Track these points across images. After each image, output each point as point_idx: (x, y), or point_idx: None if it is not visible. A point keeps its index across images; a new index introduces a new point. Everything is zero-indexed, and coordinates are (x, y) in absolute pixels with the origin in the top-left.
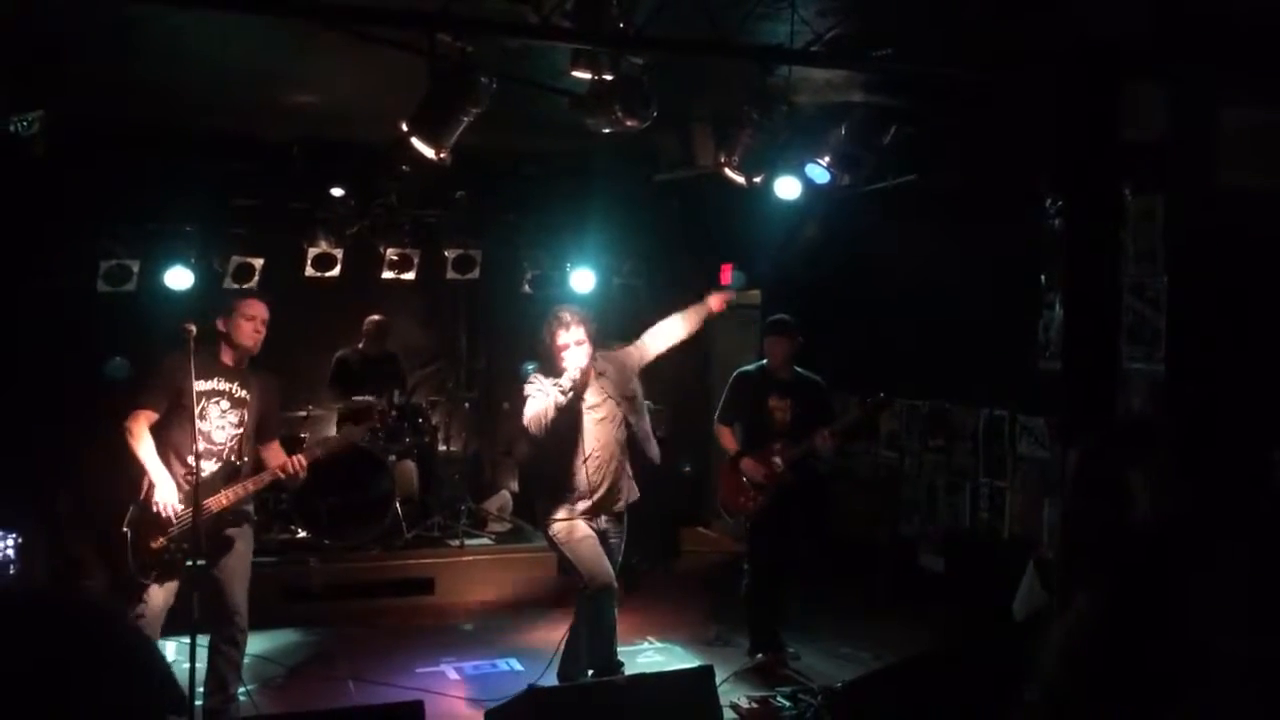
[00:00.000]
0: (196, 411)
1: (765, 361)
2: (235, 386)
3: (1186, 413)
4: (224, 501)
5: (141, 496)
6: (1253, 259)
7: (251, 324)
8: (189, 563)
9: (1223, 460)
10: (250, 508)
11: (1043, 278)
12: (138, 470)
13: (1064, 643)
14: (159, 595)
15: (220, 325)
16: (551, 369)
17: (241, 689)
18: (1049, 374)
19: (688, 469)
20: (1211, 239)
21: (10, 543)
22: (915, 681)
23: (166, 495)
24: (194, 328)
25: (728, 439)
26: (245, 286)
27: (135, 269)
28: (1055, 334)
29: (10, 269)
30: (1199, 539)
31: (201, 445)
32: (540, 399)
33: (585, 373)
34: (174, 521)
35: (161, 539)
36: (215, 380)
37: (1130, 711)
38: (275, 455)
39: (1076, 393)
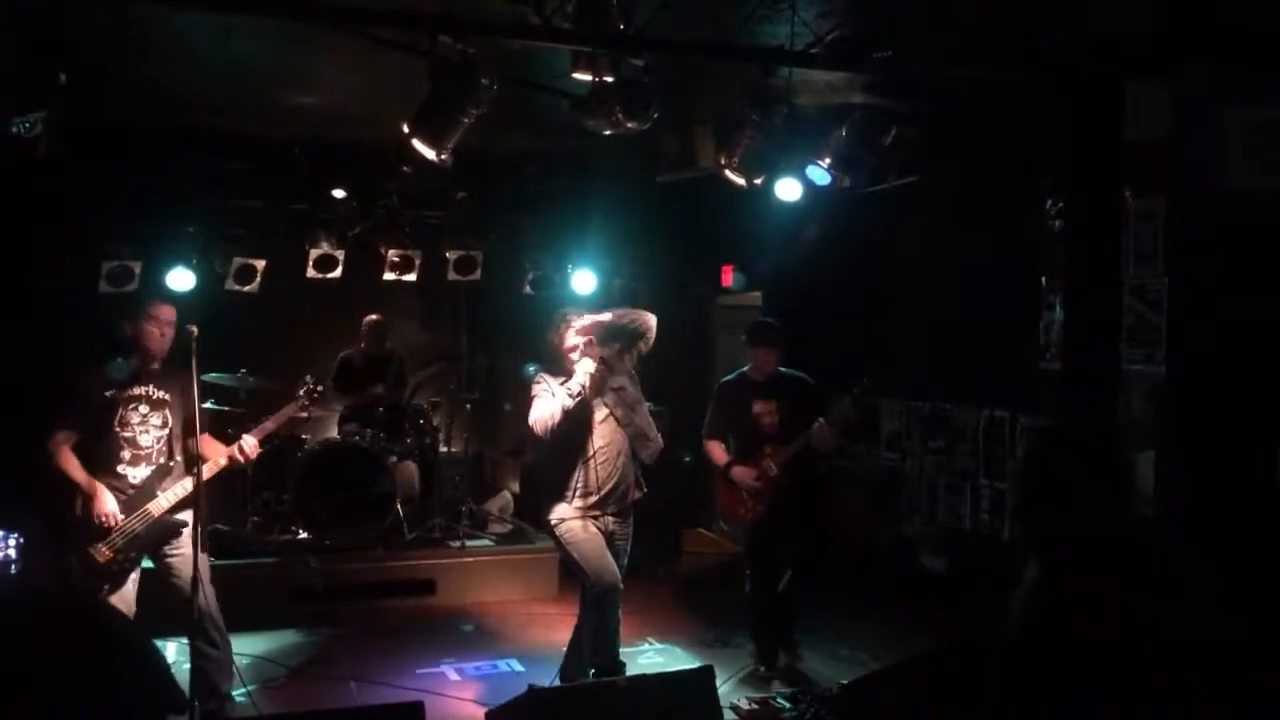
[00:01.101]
0: (116, 419)
1: (745, 368)
2: (151, 388)
3: (1186, 414)
4: (165, 504)
5: (78, 513)
6: (1254, 260)
7: (158, 329)
8: (144, 565)
9: (1221, 460)
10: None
11: (1043, 279)
12: (70, 489)
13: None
14: (119, 605)
15: (127, 330)
16: (558, 369)
17: (242, 689)
18: (1049, 375)
19: (688, 459)
20: (1213, 240)
21: (11, 543)
22: (914, 682)
23: (108, 506)
24: (196, 329)
25: (717, 452)
26: (247, 288)
27: (137, 270)
28: (1056, 335)
29: (13, 269)
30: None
31: (128, 453)
32: (547, 400)
33: (593, 378)
34: (115, 530)
35: (107, 551)
36: (131, 386)
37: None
38: (210, 448)
39: (1077, 394)
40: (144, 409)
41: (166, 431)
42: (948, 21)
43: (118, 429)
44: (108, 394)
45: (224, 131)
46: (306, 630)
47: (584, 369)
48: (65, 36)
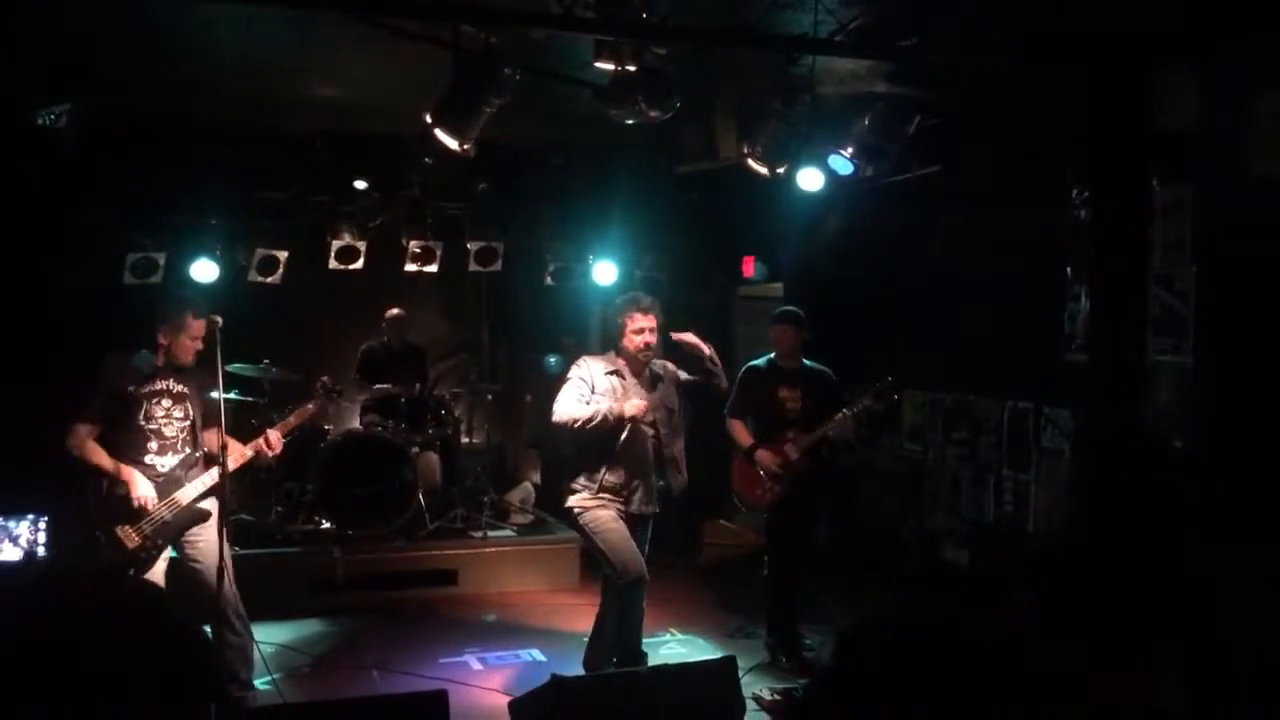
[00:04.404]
0: (142, 412)
1: (773, 354)
2: (171, 382)
3: (1214, 406)
4: (192, 493)
5: (104, 495)
6: None
7: (195, 344)
8: (168, 554)
9: (1250, 451)
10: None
11: (1068, 269)
12: (94, 476)
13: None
14: None
15: (161, 337)
16: (616, 349)
17: (267, 677)
18: (1074, 366)
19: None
20: (1241, 230)
21: (40, 528)
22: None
23: (144, 490)
24: (220, 320)
25: (740, 432)
26: (269, 279)
27: (161, 261)
28: (1081, 326)
29: (38, 261)
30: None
31: (155, 443)
32: (576, 390)
33: (639, 413)
34: (147, 515)
35: (135, 536)
36: (153, 381)
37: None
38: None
39: (1102, 385)
40: (166, 402)
41: (188, 422)
42: (972, 8)
43: (143, 422)
44: (130, 389)
45: (247, 123)
46: (330, 620)
47: (633, 407)
48: (88, 29)
